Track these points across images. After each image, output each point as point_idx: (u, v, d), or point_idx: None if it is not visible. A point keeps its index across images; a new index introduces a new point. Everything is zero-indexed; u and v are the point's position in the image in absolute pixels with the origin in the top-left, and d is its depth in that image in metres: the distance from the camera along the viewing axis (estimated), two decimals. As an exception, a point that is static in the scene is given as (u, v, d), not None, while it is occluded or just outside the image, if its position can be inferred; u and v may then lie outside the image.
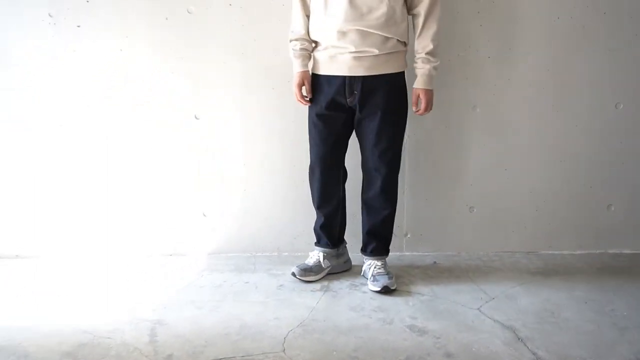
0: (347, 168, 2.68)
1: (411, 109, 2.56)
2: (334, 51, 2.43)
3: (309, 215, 2.77)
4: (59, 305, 2.40)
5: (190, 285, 2.60)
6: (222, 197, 2.93)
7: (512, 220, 3.01)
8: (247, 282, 2.64)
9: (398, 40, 2.43)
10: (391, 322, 2.27)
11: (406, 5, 2.45)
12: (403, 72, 2.52)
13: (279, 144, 2.89)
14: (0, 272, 2.73)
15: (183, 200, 2.92)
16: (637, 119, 2.93)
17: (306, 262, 2.69)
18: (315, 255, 2.70)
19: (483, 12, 2.80)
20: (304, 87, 2.53)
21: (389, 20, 2.38)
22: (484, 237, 3.01)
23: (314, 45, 2.52)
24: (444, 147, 2.93)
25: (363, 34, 2.38)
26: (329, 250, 2.70)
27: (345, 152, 2.64)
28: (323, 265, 2.67)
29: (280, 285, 2.60)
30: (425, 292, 2.54)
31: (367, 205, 2.64)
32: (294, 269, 2.64)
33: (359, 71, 2.42)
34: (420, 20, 2.45)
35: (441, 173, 2.95)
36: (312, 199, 2.69)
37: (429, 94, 2.51)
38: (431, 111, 2.56)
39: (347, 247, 2.79)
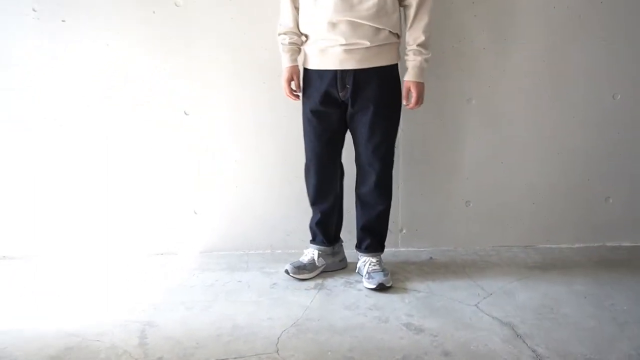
0: (343, 163, 2.64)
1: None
2: (324, 44, 2.38)
3: (303, 212, 2.73)
4: (46, 307, 2.34)
5: (181, 285, 2.55)
6: (213, 194, 2.88)
7: (509, 214, 2.98)
8: (239, 281, 2.59)
9: (390, 31, 2.38)
10: (387, 320, 2.23)
11: (398, -5, 2.40)
12: (396, 65, 2.46)
13: (271, 139, 2.85)
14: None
15: (173, 198, 2.88)
16: (635, 110, 2.90)
17: (300, 259, 2.65)
18: (310, 253, 2.65)
19: (477, 2, 2.75)
20: (293, 82, 2.49)
21: (380, 10, 2.33)
22: (481, 232, 2.97)
23: (304, 38, 2.47)
24: (439, 141, 2.89)
25: (353, 25, 2.33)
26: (325, 248, 2.65)
27: (342, 148, 2.59)
28: (317, 264, 2.62)
29: (274, 284, 2.56)
30: (421, 289, 2.50)
31: (361, 201, 2.60)
32: (288, 267, 2.59)
33: (350, 64, 2.37)
34: (411, 12, 2.39)
35: (436, 167, 2.92)
36: (308, 196, 2.65)
37: (420, 86, 2.45)
38: (425, 104, 2.52)
39: (342, 245, 2.74)
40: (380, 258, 2.61)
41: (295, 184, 2.77)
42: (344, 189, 2.67)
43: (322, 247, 2.65)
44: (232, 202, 2.89)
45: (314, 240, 2.68)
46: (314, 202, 2.63)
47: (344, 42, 2.34)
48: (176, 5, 2.70)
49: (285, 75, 2.49)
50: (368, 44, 2.34)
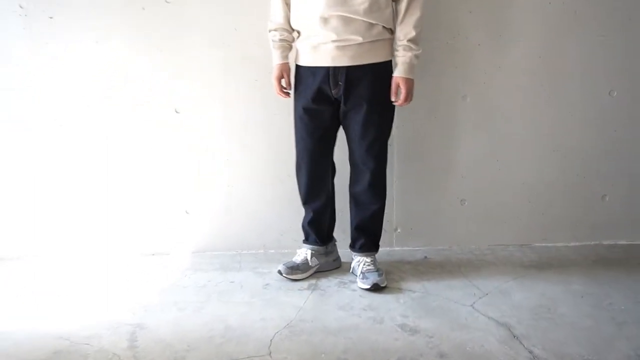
0: (334, 161, 2.60)
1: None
2: (316, 40, 2.34)
3: (296, 211, 2.69)
4: (33, 309, 2.30)
5: (172, 286, 2.51)
6: (204, 194, 2.84)
7: (505, 213, 2.95)
8: (232, 282, 2.55)
9: (383, 27, 2.34)
10: (381, 321, 2.19)
11: (390, -10, 2.36)
12: (390, 61, 2.42)
13: (263, 137, 2.81)
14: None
15: (165, 198, 2.83)
16: (632, 107, 2.88)
17: (293, 259, 2.61)
18: (303, 252, 2.62)
19: (472, -3, 2.73)
20: (283, 80, 2.45)
21: (372, 5, 2.28)
22: (476, 231, 2.95)
23: (295, 34, 2.43)
24: (433, 139, 2.85)
25: (346, 20, 2.29)
26: (318, 247, 2.62)
27: (334, 146, 2.55)
28: (311, 264, 2.59)
29: (267, 284, 2.52)
30: (416, 289, 2.47)
31: (355, 200, 2.56)
32: (281, 267, 2.56)
33: (343, 61, 2.33)
34: (402, 6, 2.35)
35: (431, 165, 2.88)
36: (300, 195, 2.61)
37: (409, 83, 2.40)
38: (420, 101, 2.50)
39: (336, 244, 2.71)
40: (375, 258, 2.58)
41: (288, 183, 2.74)
42: (335, 188, 2.63)
43: (315, 247, 2.61)
44: (224, 201, 2.85)
45: (307, 240, 2.64)
46: (305, 201, 2.59)
47: (335, 38, 2.30)
48: (166, 1, 2.66)
49: (275, 72, 2.45)
50: (361, 39, 2.30)
